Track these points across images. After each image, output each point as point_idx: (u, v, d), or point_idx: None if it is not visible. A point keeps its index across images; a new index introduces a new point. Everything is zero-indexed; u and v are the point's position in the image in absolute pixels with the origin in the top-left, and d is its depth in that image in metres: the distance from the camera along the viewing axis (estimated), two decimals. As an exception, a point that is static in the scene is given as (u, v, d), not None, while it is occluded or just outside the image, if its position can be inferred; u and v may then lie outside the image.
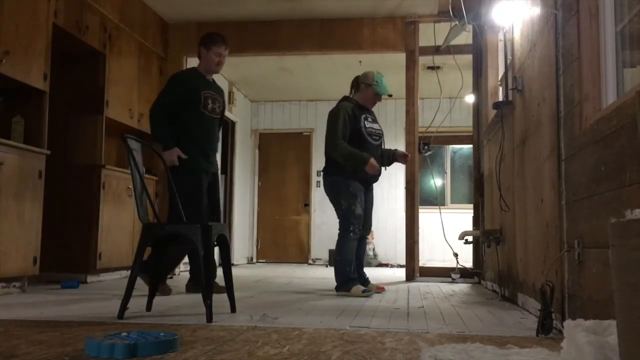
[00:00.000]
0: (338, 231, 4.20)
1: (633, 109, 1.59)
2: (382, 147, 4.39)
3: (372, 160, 4.07)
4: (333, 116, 4.17)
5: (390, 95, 4.31)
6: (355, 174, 4.12)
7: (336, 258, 4.12)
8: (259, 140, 9.40)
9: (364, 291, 3.95)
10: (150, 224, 2.89)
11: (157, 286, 3.04)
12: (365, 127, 4.18)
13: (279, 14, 5.96)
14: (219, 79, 7.74)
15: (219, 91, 4.21)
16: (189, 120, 3.97)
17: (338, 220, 4.21)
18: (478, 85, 5.48)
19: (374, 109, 4.44)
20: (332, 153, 4.14)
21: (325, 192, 4.27)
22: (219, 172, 4.30)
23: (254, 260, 9.13)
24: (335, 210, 4.21)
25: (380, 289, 4.25)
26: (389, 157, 4.45)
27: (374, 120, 4.33)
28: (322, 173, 4.34)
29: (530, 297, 3.10)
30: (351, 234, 4.11)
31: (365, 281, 4.23)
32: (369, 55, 6.56)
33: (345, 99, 4.31)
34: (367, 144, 4.16)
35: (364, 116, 4.21)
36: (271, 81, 8.29)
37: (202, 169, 3.99)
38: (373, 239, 8.14)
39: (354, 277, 4.09)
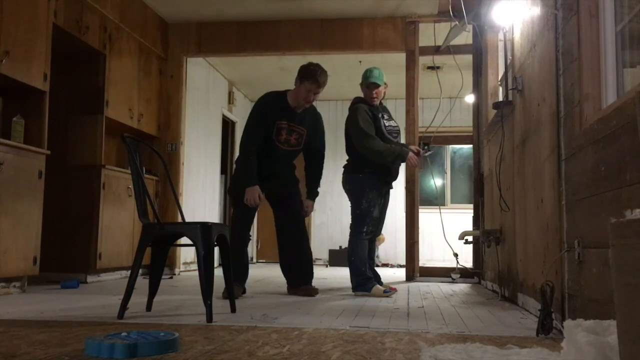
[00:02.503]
0: (349, 230, 4.20)
1: (633, 109, 1.59)
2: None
3: (411, 153, 4.14)
4: (354, 116, 4.15)
5: (383, 84, 4.28)
6: (379, 173, 4.14)
7: (350, 258, 4.12)
8: (259, 140, 9.38)
9: (385, 291, 3.95)
10: (150, 224, 2.89)
11: (158, 286, 3.03)
12: (385, 126, 4.20)
13: (279, 14, 5.96)
14: (219, 78, 7.78)
15: (305, 121, 4.02)
16: (262, 147, 3.92)
17: (351, 218, 4.20)
18: (478, 85, 5.48)
19: (389, 108, 4.48)
20: (365, 151, 4.07)
21: (345, 188, 4.25)
22: (288, 183, 4.16)
23: (254, 260, 9.13)
24: (352, 207, 4.19)
25: (391, 289, 4.25)
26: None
27: (390, 118, 4.33)
28: (344, 169, 4.31)
29: (530, 297, 3.10)
30: (363, 234, 4.12)
31: (377, 281, 4.23)
32: (369, 55, 6.55)
33: (359, 100, 4.31)
34: (387, 142, 4.17)
35: (380, 115, 4.22)
36: (271, 81, 8.26)
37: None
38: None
39: (371, 276, 4.10)
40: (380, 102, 4.34)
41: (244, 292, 3.88)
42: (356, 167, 4.16)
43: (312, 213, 9.08)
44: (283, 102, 3.98)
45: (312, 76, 3.87)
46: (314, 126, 4.10)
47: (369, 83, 4.19)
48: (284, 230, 4.12)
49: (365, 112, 4.13)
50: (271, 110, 3.94)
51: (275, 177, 4.04)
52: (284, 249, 4.13)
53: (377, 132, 4.14)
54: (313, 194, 4.21)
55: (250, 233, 4.24)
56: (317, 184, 4.22)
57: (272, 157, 3.96)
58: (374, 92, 4.18)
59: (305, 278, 4.05)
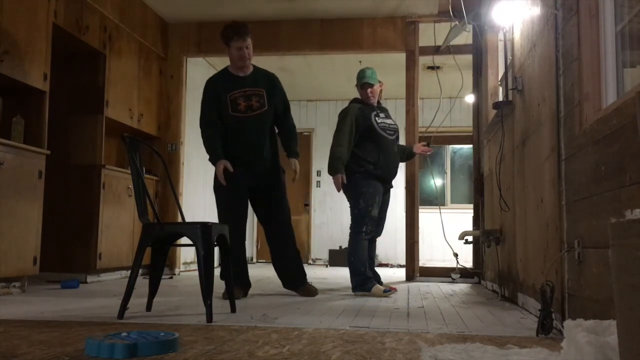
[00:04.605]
0: (349, 230, 4.21)
1: (633, 109, 1.59)
2: (398, 141, 4.43)
3: (341, 176, 4.07)
4: (341, 118, 4.24)
5: (377, 82, 4.32)
6: (375, 172, 4.16)
7: (350, 258, 4.12)
8: (259, 140, 9.39)
9: (385, 291, 3.95)
10: (150, 224, 2.89)
11: (158, 286, 3.03)
12: (378, 123, 4.22)
13: (279, 14, 5.96)
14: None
15: (259, 82, 3.89)
16: (226, 126, 3.83)
17: (350, 219, 4.21)
18: (478, 85, 5.48)
19: (389, 108, 4.49)
20: (330, 152, 4.18)
21: (343, 189, 4.26)
22: (272, 171, 3.97)
23: (254, 260, 9.14)
24: (351, 208, 4.21)
25: (391, 289, 4.25)
26: (405, 153, 4.56)
27: (387, 117, 4.36)
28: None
29: (530, 297, 3.10)
30: (363, 234, 4.13)
31: (377, 281, 4.24)
32: (369, 55, 6.56)
33: (355, 100, 4.38)
34: (382, 139, 4.20)
35: (374, 113, 4.25)
36: (271, 81, 8.27)
37: (236, 173, 3.80)
38: None
39: (371, 276, 4.11)
40: (379, 102, 4.38)
41: (244, 294, 3.83)
42: (352, 167, 4.17)
43: (312, 213, 9.16)
44: (226, 75, 3.91)
45: (233, 34, 3.78)
46: (271, 85, 3.94)
47: (362, 83, 4.29)
48: (270, 235, 4.02)
49: (353, 115, 4.18)
50: (218, 87, 3.84)
51: (258, 166, 3.86)
52: (273, 252, 4.06)
53: (368, 130, 4.18)
54: (292, 151, 4.01)
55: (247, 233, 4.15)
56: (294, 139, 4.04)
57: (243, 131, 3.82)
58: (368, 91, 4.27)
59: (297, 282, 3.99)
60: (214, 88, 3.86)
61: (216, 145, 3.79)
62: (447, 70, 6.79)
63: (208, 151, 3.82)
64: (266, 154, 3.90)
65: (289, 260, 4.02)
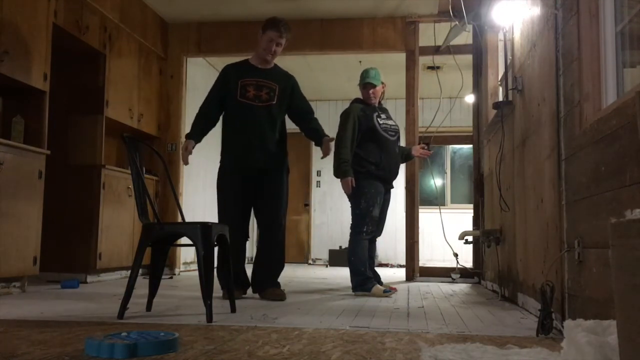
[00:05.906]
0: (350, 230, 4.21)
1: (633, 109, 1.59)
2: (399, 142, 4.44)
3: (350, 179, 4.07)
4: (343, 119, 4.24)
5: (380, 83, 4.32)
6: (377, 172, 4.16)
7: (350, 258, 4.13)
8: (259, 140, 9.39)
9: (385, 291, 3.95)
10: (150, 224, 2.89)
11: (158, 286, 3.03)
12: (380, 124, 4.22)
13: (279, 14, 5.90)
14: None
15: (275, 78, 3.86)
16: (228, 113, 3.81)
17: (351, 219, 4.21)
18: (478, 85, 5.48)
19: (389, 108, 4.52)
20: (335, 155, 4.17)
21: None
22: (275, 166, 3.86)
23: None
24: (352, 208, 4.21)
25: (391, 289, 4.24)
26: (404, 155, 4.55)
27: (388, 117, 4.36)
28: None
29: (530, 297, 3.10)
30: (363, 234, 4.13)
31: (377, 281, 4.24)
32: (369, 55, 6.56)
33: (356, 100, 4.39)
34: (383, 140, 4.21)
35: (375, 114, 4.26)
36: (271, 81, 8.27)
37: (239, 166, 3.78)
38: None
39: (371, 276, 4.11)
40: (380, 102, 4.38)
41: (243, 293, 3.82)
42: (354, 167, 4.17)
43: (312, 213, 9.16)
44: (245, 64, 3.92)
45: (274, 25, 3.81)
46: (286, 84, 3.90)
47: (365, 83, 4.29)
48: (261, 233, 3.93)
49: (355, 116, 4.18)
50: (231, 74, 3.84)
51: (259, 161, 3.76)
52: (257, 248, 3.96)
53: (370, 130, 4.18)
54: (322, 133, 3.92)
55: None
56: (320, 126, 3.97)
57: (248, 120, 3.75)
58: (370, 91, 4.27)
59: (265, 283, 3.76)
60: (226, 75, 3.87)
61: (199, 126, 3.82)
62: (447, 70, 6.79)
63: (191, 128, 3.84)
64: (271, 147, 3.81)
65: (268, 258, 3.84)
